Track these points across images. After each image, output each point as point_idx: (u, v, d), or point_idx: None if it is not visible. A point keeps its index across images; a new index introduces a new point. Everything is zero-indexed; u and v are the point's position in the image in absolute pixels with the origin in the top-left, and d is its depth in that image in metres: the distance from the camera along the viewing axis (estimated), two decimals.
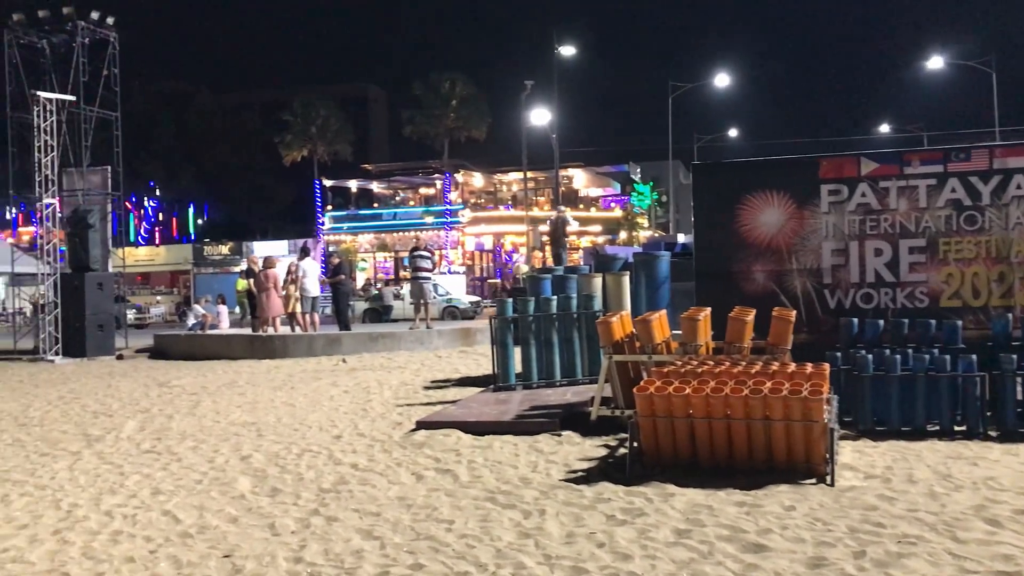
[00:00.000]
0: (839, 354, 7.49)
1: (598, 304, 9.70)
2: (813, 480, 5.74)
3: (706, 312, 7.53)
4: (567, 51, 37.32)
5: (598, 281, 10.11)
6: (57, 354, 17.77)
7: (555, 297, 9.87)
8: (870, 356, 7.16)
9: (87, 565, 4.69)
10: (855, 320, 7.85)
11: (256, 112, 67.96)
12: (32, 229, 49.64)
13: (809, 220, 8.46)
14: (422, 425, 7.99)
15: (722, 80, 44.53)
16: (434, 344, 16.54)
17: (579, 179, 52.95)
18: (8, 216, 55.05)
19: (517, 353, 9.81)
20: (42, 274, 19.09)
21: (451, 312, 28.63)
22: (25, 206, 46.81)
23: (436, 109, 53.41)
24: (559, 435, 7.39)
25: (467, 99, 53.63)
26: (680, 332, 7.40)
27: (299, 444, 7.63)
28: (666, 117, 44.78)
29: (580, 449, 6.97)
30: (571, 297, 9.78)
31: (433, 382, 11.48)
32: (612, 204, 51.56)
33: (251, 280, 18.32)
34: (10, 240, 43.32)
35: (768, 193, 8.57)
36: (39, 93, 18.56)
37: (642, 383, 6.36)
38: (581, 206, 48.68)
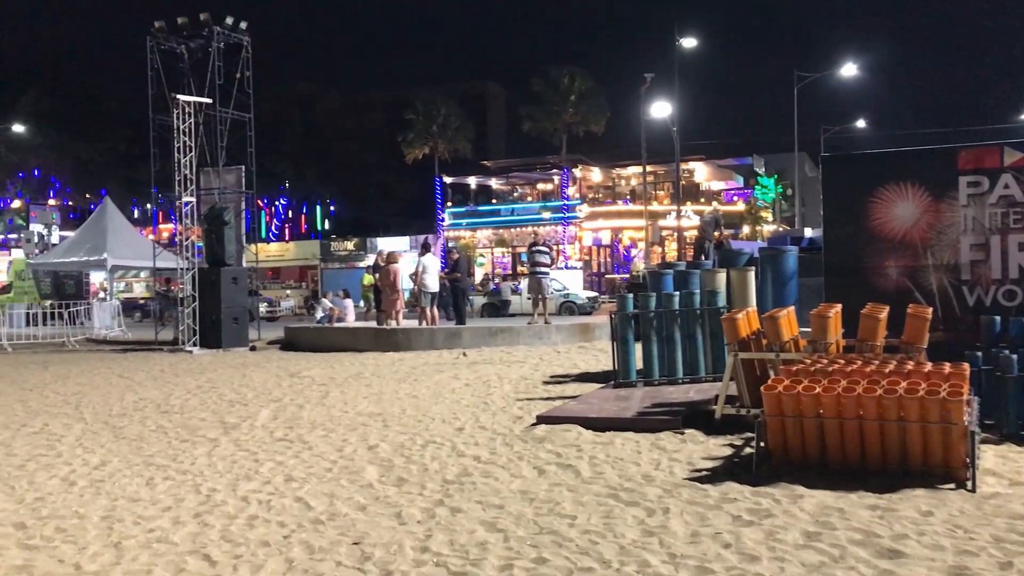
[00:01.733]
0: (980, 354, 7.12)
1: (722, 300, 9.52)
2: (952, 485, 5.47)
3: (836, 309, 7.28)
4: (688, 43, 36.68)
5: (722, 277, 9.92)
6: (195, 345, 18.65)
7: (678, 293, 9.73)
8: (1015, 356, 6.77)
9: (226, 547, 4.90)
10: (997, 318, 7.43)
11: (380, 111, 69.67)
12: (171, 226, 52.36)
13: (946, 213, 8.04)
14: (542, 420, 8.02)
15: (849, 69, 42.87)
16: (552, 339, 16.58)
17: (700, 172, 52.08)
18: (149, 214, 58.15)
19: (638, 349, 9.73)
20: (181, 269, 20.08)
21: (568, 307, 28.67)
22: (165, 203, 49.38)
23: (554, 104, 53.46)
24: (682, 433, 7.29)
25: (586, 93, 53.46)
26: (809, 329, 7.18)
27: (423, 435, 7.78)
28: (791, 108, 43.48)
29: (704, 448, 6.86)
30: (694, 293, 9.63)
31: (552, 377, 11.51)
32: (735, 198, 50.47)
33: (376, 275, 18.79)
34: (151, 236, 45.68)
35: (902, 185, 8.19)
36: (179, 96, 19.52)
37: (770, 381, 6.21)
38: (702, 200, 47.83)
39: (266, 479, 6.43)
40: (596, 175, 53.00)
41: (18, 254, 45.93)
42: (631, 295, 10.39)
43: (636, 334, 9.69)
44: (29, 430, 8.91)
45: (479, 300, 28.99)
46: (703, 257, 16.00)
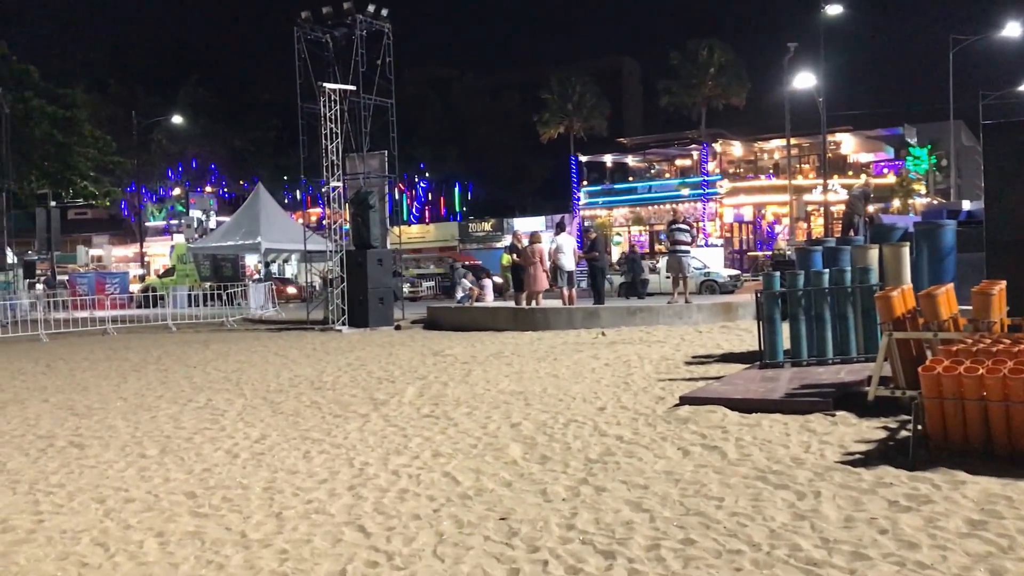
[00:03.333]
0: None
1: (875, 277, 9.13)
2: None
3: (1000, 285, 6.86)
4: (833, 9, 35.15)
5: (874, 253, 9.51)
6: (344, 324, 19.38)
7: (827, 270, 9.40)
8: None
9: (379, 520, 5.09)
10: None
11: (515, 92, 70.05)
12: (318, 210, 54.50)
13: None
14: (686, 400, 7.93)
15: (1013, 29, 40.02)
16: (693, 318, 16.34)
17: (847, 144, 49.94)
18: (298, 198, 60.63)
19: (784, 329, 9.47)
20: (330, 251, 20.88)
21: (709, 286, 28.16)
22: (312, 189, 51.34)
23: (693, 78, 52.39)
24: (833, 415, 7.06)
25: (725, 66, 52.14)
26: (969, 308, 6.80)
27: (564, 414, 7.83)
28: (945, 75, 41.06)
29: (856, 430, 6.62)
30: (845, 270, 9.27)
31: (694, 357, 11.35)
32: (885, 170, 48.17)
33: (515, 255, 18.99)
34: (300, 220, 47.59)
35: None
36: (325, 84, 20.21)
37: (928, 362, 5.92)
38: (850, 173, 45.91)
39: (415, 454, 6.63)
40: (737, 149, 51.64)
41: (179, 239, 48.81)
42: (777, 273, 10.10)
43: (783, 313, 9.42)
44: (195, 405, 9.49)
45: (617, 279, 28.83)
46: (852, 233, 15.33)
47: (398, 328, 19.20)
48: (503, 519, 4.97)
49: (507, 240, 38.66)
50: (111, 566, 4.49)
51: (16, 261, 32.99)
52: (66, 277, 39.78)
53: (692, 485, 5.45)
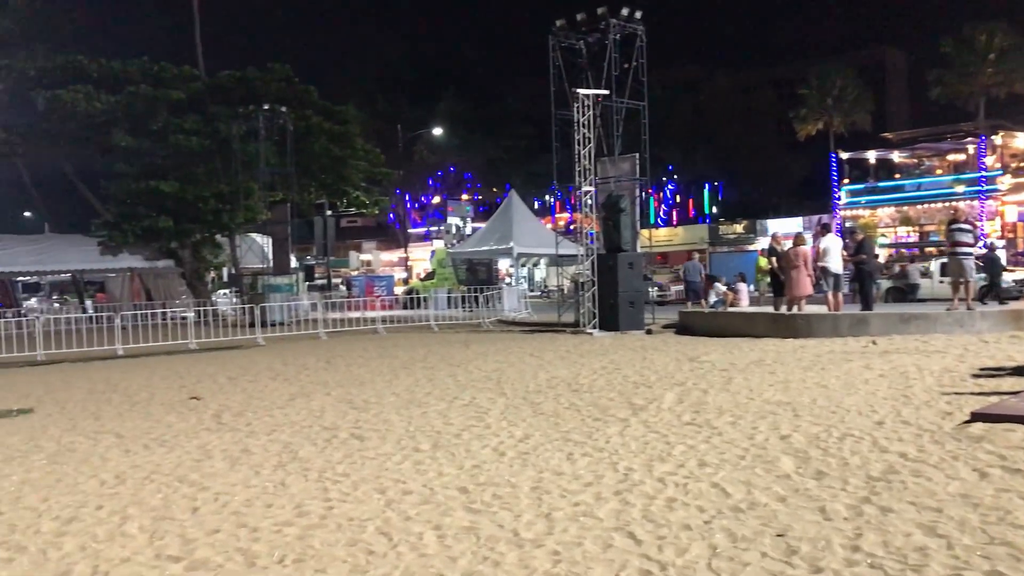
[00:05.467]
0: None
1: None
2: None
3: None
4: None
5: None
6: (595, 328, 19.51)
7: None
8: None
9: (648, 527, 5.00)
10: None
11: (768, 89, 67.70)
12: (567, 215, 55.42)
13: None
14: (978, 417, 7.19)
15: None
16: (976, 327, 14.91)
17: None
18: (548, 204, 62.02)
19: None
20: (580, 255, 21.10)
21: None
22: (561, 194, 52.29)
23: (969, 66, 48.08)
24: None
25: (1008, 50, 47.40)
26: None
27: (838, 428, 7.36)
28: None
29: None
30: None
31: (982, 370, 10.31)
32: None
33: (773, 258, 18.25)
34: (549, 225, 48.61)
35: None
36: (578, 91, 20.47)
37: None
38: None
39: (679, 462, 6.47)
40: (1021, 141, 46.76)
41: (438, 244, 51.45)
42: None
43: None
44: (460, 403, 9.87)
45: (884, 284, 27.00)
46: None
47: (649, 332, 19.04)
48: (780, 535, 4.72)
49: (761, 243, 37.30)
50: (395, 555, 4.72)
51: (298, 265, 36.13)
52: (338, 280, 43.14)
53: (994, 511, 4.91)
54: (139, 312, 22.69)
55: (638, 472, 6.24)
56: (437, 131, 57.97)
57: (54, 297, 45.33)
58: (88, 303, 35.73)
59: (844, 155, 51.03)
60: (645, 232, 25.84)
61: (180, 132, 31.36)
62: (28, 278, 41.34)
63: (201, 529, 5.34)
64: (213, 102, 32.98)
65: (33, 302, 41.75)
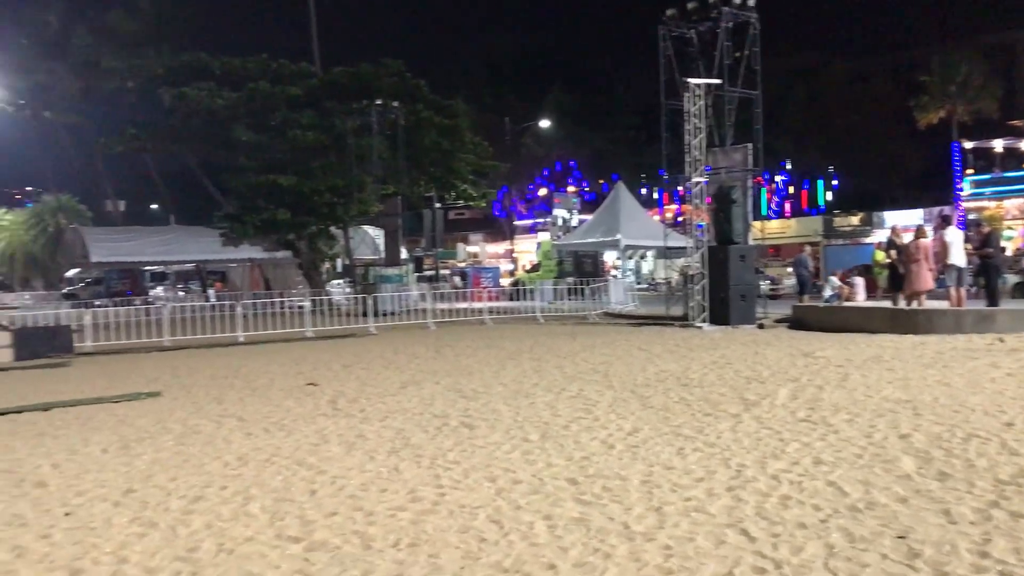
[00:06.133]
0: None
1: None
2: None
3: None
4: None
5: None
6: (704, 321, 19.22)
7: None
8: None
9: (762, 525, 4.92)
10: None
11: (887, 76, 65.13)
12: (674, 207, 54.66)
13: None
14: None
15: None
16: None
17: None
18: (655, 196, 61.36)
19: None
20: (690, 247, 20.81)
21: None
22: (670, 185, 51.62)
23: None
24: None
25: None
26: None
27: (962, 428, 7.06)
28: None
29: None
30: None
31: None
32: None
33: (892, 252, 17.60)
34: (656, 217, 48.13)
35: None
36: (689, 80, 20.16)
37: None
38: None
39: (793, 459, 6.34)
40: None
41: (544, 237, 51.54)
42: None
43: None
44: (568, 394, 9.90)
45: (1012, 279, 25.70)
46: None
47: (761, 327, 18.63)
48: (901, 537, 4.58)
49: (877, 235, 36.04)
50: (506, 544, 4.78)
51: (407, 257, 36.82)
52: (448, 272, 43.78)
53: None
54: (258, 301, 23.57)
55: (751, 469, 6.14)
56: (544, 123, 58.00)
57: (179, 286, 47.48)
58: (211, 292, 37.35)
59: (968, 144, 48.67)
60: (757, 224, 25.28)
61: (297, 127, 32.30)
62: (155, 267, 43.38)
63: (319, 511, 5.53)
64: (328, 98, 33.83)
65: (159, 290, 43.80)
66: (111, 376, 13.73)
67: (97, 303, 28.40)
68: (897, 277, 17.42)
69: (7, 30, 46.57)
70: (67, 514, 5.69)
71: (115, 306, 22.52)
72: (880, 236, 37.59)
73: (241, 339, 19.69)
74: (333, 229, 34.76)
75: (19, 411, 10.14)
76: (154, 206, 64.25)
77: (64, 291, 44.21)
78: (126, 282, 40.64)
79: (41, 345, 17.38)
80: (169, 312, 20.99)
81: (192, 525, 5.36)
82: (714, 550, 4.54)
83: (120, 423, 9.17)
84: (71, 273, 47.17)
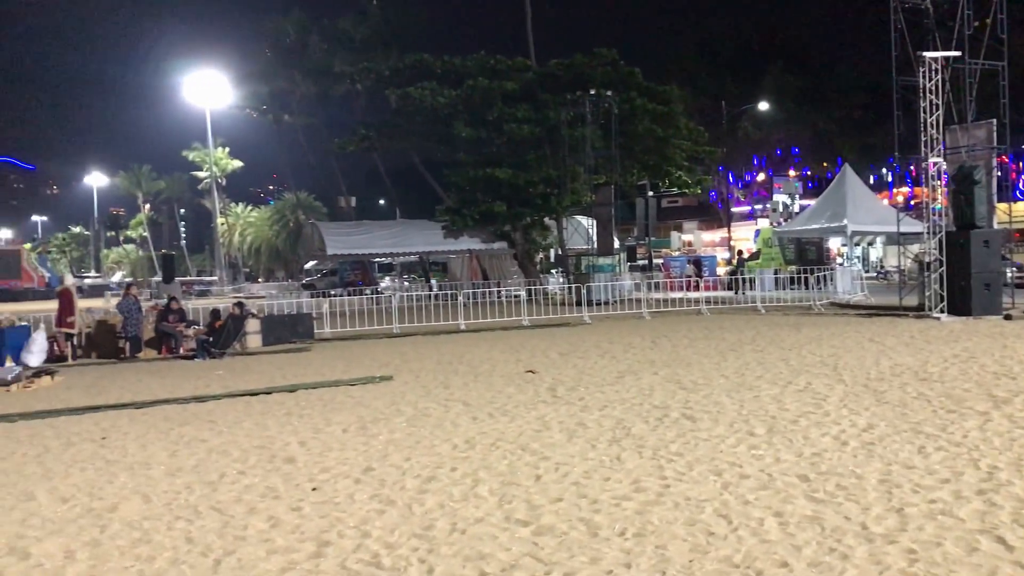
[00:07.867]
0: None
1: None
2: None
3: None
4: None
5: None
6: (942, 312, 17.88)
7: None
8: None
9: (1020, 533, 4.53)
10: None
11: None
12: (906, 189, 51.13)
13: None
14: None
15: None
16: None
17: None
18: (884, 178, 57.71)
19: None
20: (925, 233, 19.39)
21: None
22: (900, 168, 48.40)
23: None
24: None
25: None
26: None
27: None
28: None
29: None
30: None
31: None
32: None
33: None
34: (886, 201, 45.28)
35: None
36: (924, 54, 18.77)
37: None
38: None
39: None
40: None
41: (764, 223, 49.83)
42: None
43: None
44: (794, 388, 9.52)
45: None
46: None
47: (1008, 318, 17.09)
48: None
49: None
50: (735, 539, 4.67)
51: (620, 246, 36.71)
52: (660, 261, 43.34)
53: None
54: (477, 290, 24.34)
55: (1004, 471, 5.66)
56: (763, 106, 56.00)
57: (404, 277, 49.90)
58: (433, 282, 39.02)
59: None
60: (1003, 206, 23.20)
61: (513, 121, 33.02)
62: (382, 259, 45.86)
63: (545, 496, 5.63)
64: (542, 90, 34.34)
65: (387, 281, 46.27)
66: (348, 360, 14.66)
67: (333, 292, 30.43)
68: None
69: (252, 42, 50.75)
70: (314, 489, 6.13)
71: (349, 295, 24.02)
72: None
73: (462, 327, 20.41)
74: (547, 220, 35.29)
75: (268, 392, 11.06)
76: (381, 201, 67.93)
77: (303, 282, 47.73)
78: (357, 273, 43.34)
79: (285, 332, 18.84)
80: (398, 301, 22.10)
81: (426, 504, 5.62)
82: (966, 557, 4.23)
83: (357, 404, 9.78)
84: (309, 265, 50.78)
